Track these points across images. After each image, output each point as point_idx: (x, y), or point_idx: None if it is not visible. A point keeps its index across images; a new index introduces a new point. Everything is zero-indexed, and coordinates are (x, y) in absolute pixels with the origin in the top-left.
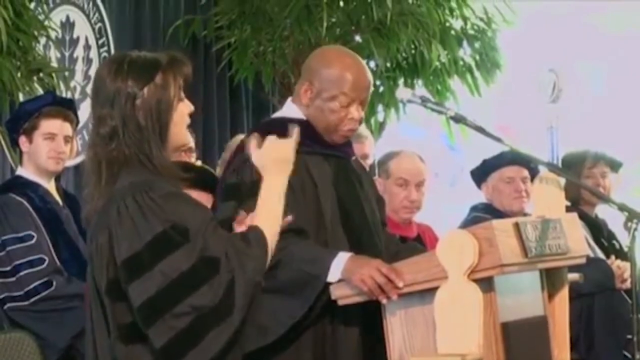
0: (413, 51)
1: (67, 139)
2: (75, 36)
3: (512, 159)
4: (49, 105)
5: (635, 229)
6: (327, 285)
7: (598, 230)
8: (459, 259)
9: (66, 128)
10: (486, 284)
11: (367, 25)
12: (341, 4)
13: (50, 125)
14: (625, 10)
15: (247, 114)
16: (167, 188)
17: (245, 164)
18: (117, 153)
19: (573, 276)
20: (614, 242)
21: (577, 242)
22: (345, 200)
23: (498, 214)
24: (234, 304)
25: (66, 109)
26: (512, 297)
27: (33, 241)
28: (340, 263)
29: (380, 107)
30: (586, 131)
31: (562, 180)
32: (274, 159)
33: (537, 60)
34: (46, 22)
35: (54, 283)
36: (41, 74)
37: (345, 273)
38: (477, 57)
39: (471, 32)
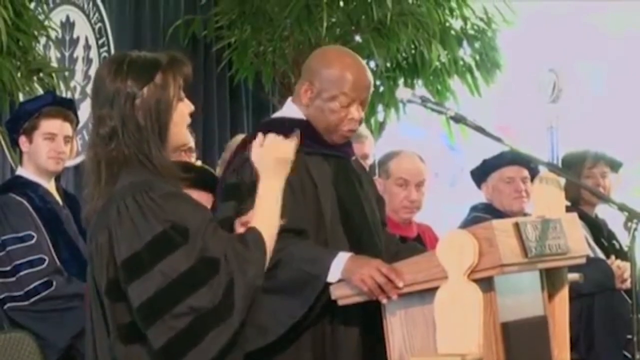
0: (413, 51)
1: (67, 139)
2: (75, 36)
3: (512, 159)
4: (49, 105)
5: (635, 229)
6: (327, 285)
7: (598, 230)
8: (459, 259)
9: (66, 128)
10: (486, 284)
11: (367, 25)
12: (341, 4)
13: (50, 125)
14: (625, 10)
15: (247, 114)
16: (167, 188)
17: (245, 164)
18: (117, 153)
19: (573, 276)
20: (614, 242)
21: (577, 242)
22: (345, 200)
23: (498, 214)
24: (233, 305)
25: (66, 109)
26: (512, 297)
27: (33, 241)
28: (340, 263)
29: (380, 107)
30: (586, 131)
31: (562, 180)
32: (275, 158)
33: (537, 60)
34: (46, 22)
35: (54, 283)
36: (41, 74)
37: (345, 273)
38: (477, 57)
39: (471, 32)
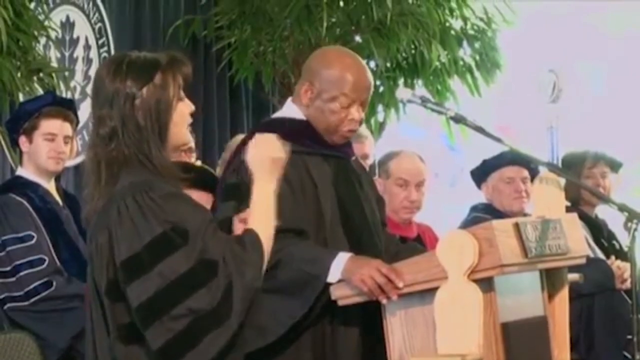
0: (413, 51)
1: (67, 139)
2: (75, 36)
3: (512, 159)
4: (49, 105)
5: (635, 230)
6: (327, 285)
7: (598, 231)
8: (459, 259)
9: (66, 128)
10: (486, 284)
11: (367, 26)
12: (341, 4)
13: (50, 125)
14: (625, 10)
15: (247, 114)
16: (167, 188)
17: (245, 163)
18: (117, 153)
19: (573, 276)
20: (614, 242)
21: (577, 243)
22: (345, 200)
23: (498, 214)
24: (231, 308)
25: (66, 109)
26: (512, 298)
27: (33, 241)
28: (340, 263)
29: (380, 107)
30: (586, 131)
31: (562, 181)
32: (268, 157)
33: (537, 60)
34: (46, 22)
35: (54, 283)
36: (41, 74)
37: (345, 273)
38: (477, 57)
39: (471, 32)
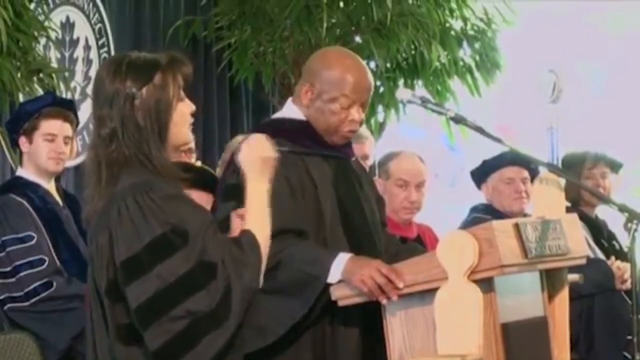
0: (413, 52)
1: (67, 140)
2: (75, 37)
3: (512, 159)
4: (49, 105)
5: (636, 230)
6: (327, 286)
7: (598, 231)
8: (459, 260)
9: (66, 129)
10: (486, 285)
11: (367, 26)
12: (341, 4)
13: (50, 125)
14: (625, 10)
15: (247, 114)
16: (167, 189)
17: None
18: (117, 154)
19: (573, 277)
20: (614, 242)
21: (577, 243)
22: (345, 201)
23: (498, 214)
24: (230, 309)
25: (66, 109)
26: (512, 298)
27: (33, 242)
28: (340, 264)
29: (380, 108)
30: (586, 132)
31: (562, 181)
32: (259, 157)
33: (537, 60)
34: (46, 23)
35: (54, 284)
36: (41, 75)
37: (345, 274)
38: (477, 58)
39: (471, 32)
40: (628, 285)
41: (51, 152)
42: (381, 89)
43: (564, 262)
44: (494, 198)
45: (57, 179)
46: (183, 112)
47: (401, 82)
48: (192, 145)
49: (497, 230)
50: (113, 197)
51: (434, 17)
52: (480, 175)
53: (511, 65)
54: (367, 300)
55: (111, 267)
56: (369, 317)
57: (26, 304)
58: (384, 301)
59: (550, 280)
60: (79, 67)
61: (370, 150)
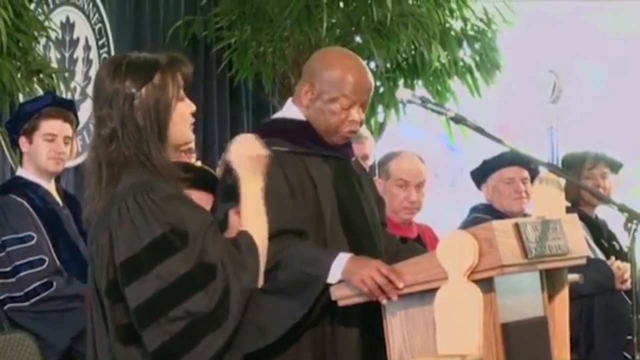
0: (413, 52)
1: (67, 140)
2: (75, 37)
3: (512, 159)
4: (49, 106)
5: (636, 230)
6: (327, 286)
7: (598, 231)
8: (459, 260)
9: (66, 129)
10: (486, 285)
11: (367, 26)
12: (341, 4)
13: (50, 126)
14: (625, 10)
15: (247, 114)
16: (168, 190)
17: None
18: (117, 154)
19: (573, 277)
20: (614, 243)
21: (577, 243)
22: (345, 201)
23: (498, 214)
24: (228, 311)
25: (66, 109)
26: (512, 298)
27: (33, 242)
28: (340, 264)
29: (380, 108)
30: (586, 132)
31: (562, 181)
32: (248, 156)
33: (537, 60)
34: (46, 23)
35: (54, 284)
36: (41, 75)
37: (345, 274)
38: (477, 58)
39: (471, 32)
40: (628, 285)
41: (51, 152)
42: (381, 89)
43: (564, 262)
44: (494, 198)
45: (57, 179)
46: (183, 112)
47: (401, 82)
48: (192, 145)
49: (497, 230)
50: (113, 197)
51: (434, 17)
52: (480, 175)
53: (511, 65)
54: (367, 301)
55: (111, 267)
56: (369, 317)
57: (26, 304)
58: (384, 301)
59: (550, 280)
60: (79, 68)
61: (370, 150)
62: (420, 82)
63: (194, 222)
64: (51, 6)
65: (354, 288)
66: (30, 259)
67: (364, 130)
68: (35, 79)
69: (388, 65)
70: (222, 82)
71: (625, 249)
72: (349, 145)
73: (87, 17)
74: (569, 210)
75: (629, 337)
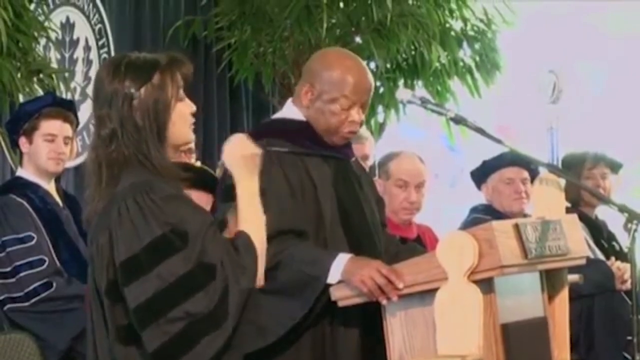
0: (413, 52)
1: (67, 140)
2: (75, 37)
3: (512, 160)
4: (49, 106)
5: (636, 230)
6: (327, 286)
7: (598, 232)
8: (459, 260)
9: (66, 129)
10: (486, 285)
11: (367, 26)
12: (341, 5)
13: (50, 126)
14: (625, 10)
15: (247, 114)
16: (168, 190)
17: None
18: (117, 154)
19: (573, 277)
20: (614, 243)
21: (577, 243)
22: (344, 201)
23: (498, 215)
24: (228, 311)
25: (66, 110)
26: (512, 299)
27: (33, 242)
28: (340, 264)
29: (380, 108)
30: (586, 132)
31: (562, 182)
32: (241, 155)
33: (537, 61)
34: (46, 23)
35: (54, 284)
36: (41, 75)
37: (345, 274)
38: (477, 58)
39: (471, 33)
40: (628, 285)
41: (51, 153)
42: (381, 90)
43: (563, 262)
44: (494, 198)
45: (57, 180)
46: (182, 112)
47: (401, 82)
48: (192, 145)
49: (497, 230)
50: (113, 197)
51: (434, 17)
52: (480, 175)
53: (511, 65)
54: (367, 301)
55: (111, 267)
56: (368, 318)
57: (26, 304)
58: (384, 302)
59: (550, 281)
60: (79, 68)
61: (370, 150)
62: (420, 83)
63: (194, 222)
64: (51, 6)
65: (354, 288)
66: (30, 259)
67: (364, 130)
68: (35, 79)
69: (388, 66)
70: (222, 82)
71: (625, 250)
72: (348, 146)
73: (87, 17)
74: (568, 210)
75: (629, 338)
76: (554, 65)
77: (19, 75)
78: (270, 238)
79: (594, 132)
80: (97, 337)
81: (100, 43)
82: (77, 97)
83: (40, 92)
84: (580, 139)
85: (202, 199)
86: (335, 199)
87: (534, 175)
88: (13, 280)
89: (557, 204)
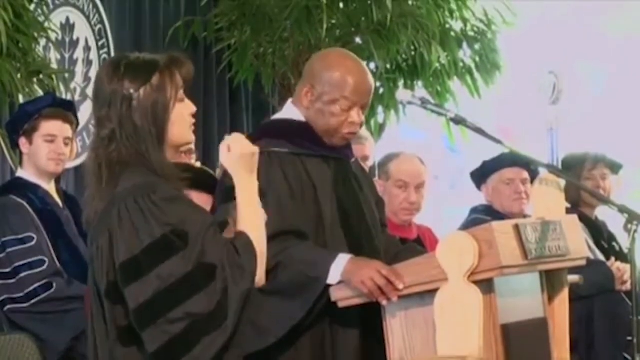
0: (413, 53)
1: (67, 141)
2: (75, 38)
3: (512, 160)
4: (49, 106)
5: (636, 231)
6: (327, 287)
7: (598, 232)
8: (459, 261)
9: (66, 130)
10: (486, 286)
11: (367, 27)
12: (341, 5)
13: (50, 126)
14: (625, 11)
15: (247, 115)
16: (168, 191)
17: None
18: (117, 155)
19: (573, 278)
20: (614, 244)
21: (577, 244)
22: (344, 202)
23: (498, 215)
24: (227, 312)
25: (66, 110)
26: (512, 299)
27: (33, 243)
28: (340, 265)
29: (380, 109)
30: (586, 133)
31: (562, 182)
32: (239, 155)
33: (537, 61)
34: (46, 24)
35: (54, 285)
36: (41, 76)
37: (345, 275)
38: (477, 59)
39: (471, 33)
40: (628, 286)
41: (51, 153)
42: (381, 90)
43: (563, 263)
44: (494, 199)
45: (57, 180)
46: (182, 113)
47: (401, 83)
48: (192, 146)
49: (497, 231)
50: (114, 198)
51: (433, 18)
52: (480, 176)
53: (511, 66)
54: (367, 302)
55: (111, 268)
56: (368, 319)
57: (26, 305)
58: (384, 302)
59: (550, 282)
60: (79, 68)
61: (370, 151)
62: (420, 83)
63: (194, 223)
64: (51, 7)
65: (354, 289)
66: (30, 260)
67: (364, 131)
68: (35, 79)
69: (388, 66)
70: (222, 83)
71: (625, 250)
72: (348, 147)
73: (87, 18)
74: (568, 211)
75: (629, 338)
76: (554, 66)
77: (19, 75)
78: (270, 239)
79: (594, 133)
80: (98, 338)
81: (100, 43)
82: (77, 97)
83: (40, 93)
84: (580, 139)
85: (202, 200)
86: (335, 199)
87: (534, 175)
88: (13, 280)
89: (557, 204)
